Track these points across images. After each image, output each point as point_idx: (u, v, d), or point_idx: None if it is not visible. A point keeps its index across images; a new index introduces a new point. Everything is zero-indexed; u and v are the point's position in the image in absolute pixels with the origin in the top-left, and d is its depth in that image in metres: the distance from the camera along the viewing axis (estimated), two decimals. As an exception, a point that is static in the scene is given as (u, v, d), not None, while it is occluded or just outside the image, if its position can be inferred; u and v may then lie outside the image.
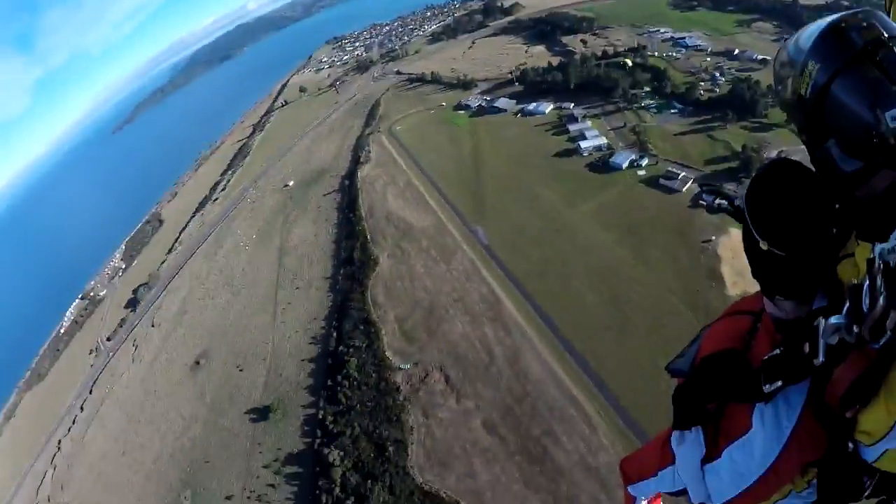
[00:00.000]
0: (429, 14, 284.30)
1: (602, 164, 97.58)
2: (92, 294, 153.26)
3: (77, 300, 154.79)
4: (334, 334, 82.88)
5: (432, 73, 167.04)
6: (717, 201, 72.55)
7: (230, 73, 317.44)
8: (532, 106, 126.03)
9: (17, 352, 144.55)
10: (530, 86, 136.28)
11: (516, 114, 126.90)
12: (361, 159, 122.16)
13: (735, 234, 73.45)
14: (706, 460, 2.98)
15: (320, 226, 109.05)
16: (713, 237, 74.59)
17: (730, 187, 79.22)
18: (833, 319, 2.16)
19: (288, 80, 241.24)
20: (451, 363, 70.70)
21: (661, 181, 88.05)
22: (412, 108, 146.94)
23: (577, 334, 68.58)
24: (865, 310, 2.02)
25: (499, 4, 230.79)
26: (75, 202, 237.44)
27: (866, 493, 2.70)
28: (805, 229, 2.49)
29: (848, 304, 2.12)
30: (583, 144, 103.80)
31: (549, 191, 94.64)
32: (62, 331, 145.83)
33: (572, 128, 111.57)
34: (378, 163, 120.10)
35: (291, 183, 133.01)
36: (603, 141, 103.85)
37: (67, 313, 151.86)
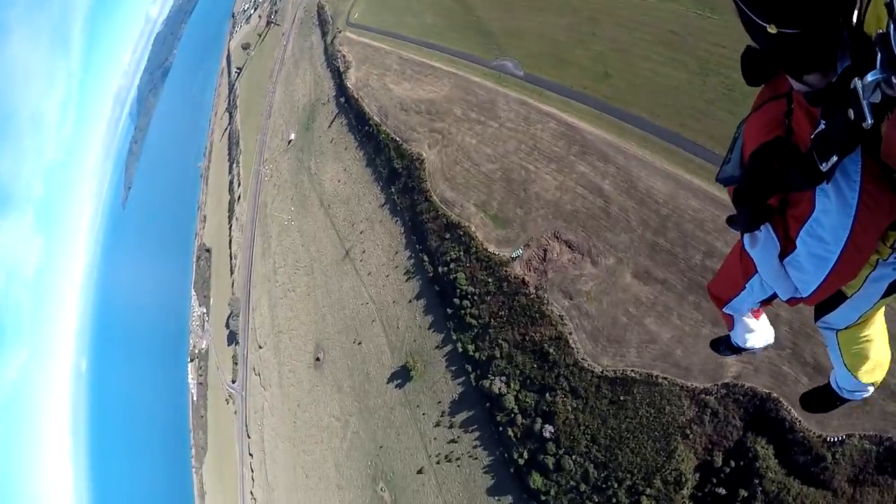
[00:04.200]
0: None
1: None
2: (196, 350, 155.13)
3: (189, 363, 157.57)
4: (425, 258, 71.38)
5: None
6: None
7: (176, 81, 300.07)
8: None
9: (175, 441, 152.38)
10: None
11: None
12: (341, 69, 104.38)
13: None
14: (783, 255, 2.86)
15: (344, 159, 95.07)
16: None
17: None
18: (870, 77, 1.99)
19: (228, 50, 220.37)
20: (563, 225, 57.23)
21: None
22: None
23: (682, 123, 53.61)
24: None
25: None
26: (136, 285, 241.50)
27: None
28: None
29: (880, 56, 1.97)
30: None
31: (555, -22, 73.99)
32: (194, 398, 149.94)
33: None
34: (360, 61, 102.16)
35: (293, 136, 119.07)
36: None
37: (189, 380, 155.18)
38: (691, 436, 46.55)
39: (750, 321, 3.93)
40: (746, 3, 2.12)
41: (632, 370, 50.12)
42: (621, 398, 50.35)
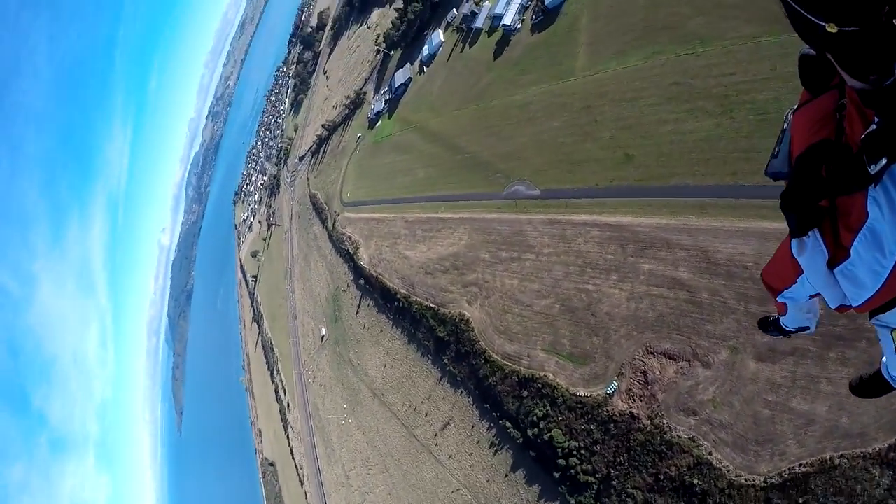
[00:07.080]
0: (271, 97, 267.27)
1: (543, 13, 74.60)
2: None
3: None
4: (508, 424, 62.99)
5: (322, 126, 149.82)
6: None
7: (200, 302, 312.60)
8: (426, 51, 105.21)
9: None
10: (403, 39, 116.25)
11: (420, 71, 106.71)
12: (350, 250, 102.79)
13: None
14: (833, 263, 2.78)
15: (383, 341, 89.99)
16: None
17: None
18: None
19: (239, 261, 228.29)
20: (653, 337, 49.64)
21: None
22: (339, 168, 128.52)
23: (732, 171, 47.72)
24: None
25: (310, 28, 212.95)
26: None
27: None
28: None
29: None
30: (506, 21, 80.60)
31: (531, 88, 72.74)
32: None
33: (478, 23, 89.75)
34: (366, 237, 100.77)
35: (324, 331, 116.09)
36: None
37: None
38: (896, 502, 36.72)
39: (804, 308, 3.72)
40: (803, 4, 1.98)
41: (799, 464, 40.54)
42: (800, 501, 40.12)
